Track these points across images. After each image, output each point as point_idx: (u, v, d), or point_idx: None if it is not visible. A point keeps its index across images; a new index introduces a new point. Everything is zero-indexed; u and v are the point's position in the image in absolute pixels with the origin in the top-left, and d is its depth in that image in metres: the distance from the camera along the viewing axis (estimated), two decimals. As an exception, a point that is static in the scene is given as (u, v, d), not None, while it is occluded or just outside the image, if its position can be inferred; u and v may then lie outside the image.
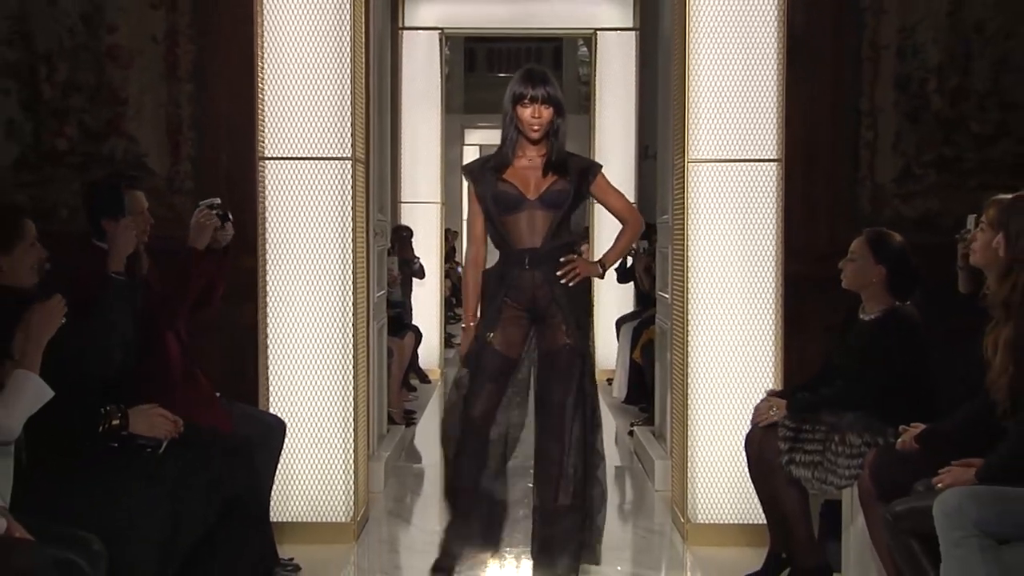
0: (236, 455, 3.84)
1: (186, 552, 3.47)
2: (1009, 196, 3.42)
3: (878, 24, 5.47)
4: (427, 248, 9.71)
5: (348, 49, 4.78)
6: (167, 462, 3.49)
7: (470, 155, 16.15)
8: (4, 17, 5.43)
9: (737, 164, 4.78)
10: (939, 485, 3.27)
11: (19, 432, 3.04)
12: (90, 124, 5.47)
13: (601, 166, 4.32)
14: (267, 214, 4.80)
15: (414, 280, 9.20)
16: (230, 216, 4.21)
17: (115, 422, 3.47)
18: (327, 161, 4.80)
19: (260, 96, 4.77)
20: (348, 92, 4.80)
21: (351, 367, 4.83)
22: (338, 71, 4.78)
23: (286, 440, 4.44)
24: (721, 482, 4.80)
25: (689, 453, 4.84)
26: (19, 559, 2.51)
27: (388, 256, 7.31)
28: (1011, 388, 3.26)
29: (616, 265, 8.83)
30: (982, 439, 3.34)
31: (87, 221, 4.00)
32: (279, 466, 4.42)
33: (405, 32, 9.64)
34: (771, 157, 4.77)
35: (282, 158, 4.79)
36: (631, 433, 6.93)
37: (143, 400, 3.62)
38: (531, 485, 4.31)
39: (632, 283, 8.92)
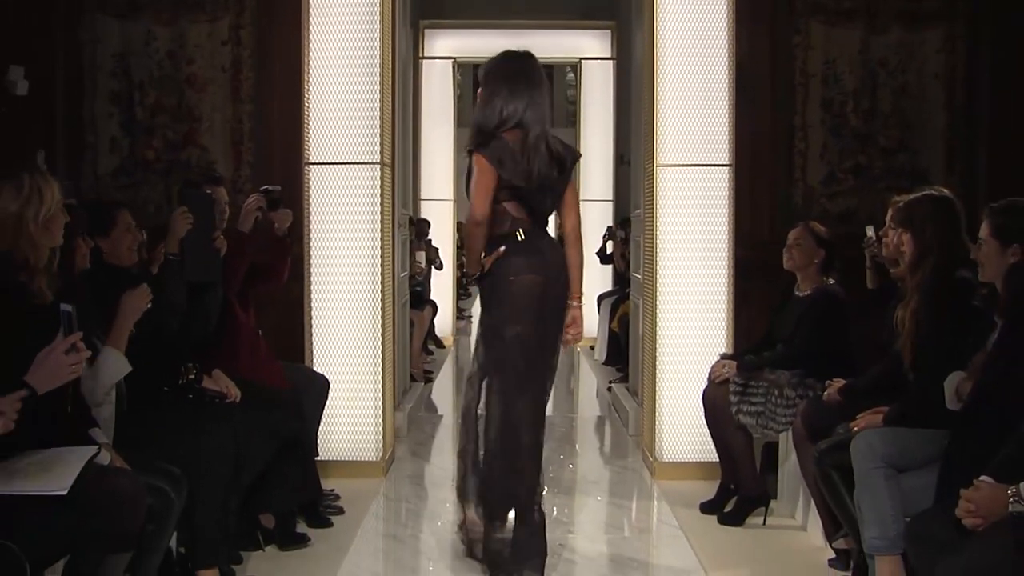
0: (289, 405, 3.87)
1: (249, 482, 3.52)
2: (909, 197, 3.43)
3: (806, 57, 5.51)
4: (442, 237, 9.74)
5: (377, 75, 4.79)
6: (234, 411, 3.50)
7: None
8: (111, 55, 5.53)
9: (696, 168, 4.77)
10: (855, 428, 3.31)
11: (102, 398, 3.02)
12: (172, 138, 5.53)
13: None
14: (311, 209, 4.82)
15: (434, 269, 9.31)
16: (280, 203, 4.10)
17: (191, 376, 3.47)
18: (360, 165, 4.80)
19: (306, 113, 4.80)
20: (377, 109, 4.80)
21: (379, 334, 4.84)
22: (369, 92, 4.79)
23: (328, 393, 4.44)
24: (682, 428, 4.80)
25: (657, 404, 4.85)
26: (121, 484, 2.54)
27: (414, 247, 7.35)
28: (914, 352, 3.29)
29: (596, 250, 8.94)
30: (889, 392, 3.38)
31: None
32: (323, 414, 4.41)
33: (424, 60, 9.64)
34: (723, 163, 4.78)
35: (323, 163, 4.80)
36: (609, 389, 6.92)
37: (220, 360, 3.65)
38: None
39: (611, 265, 8.98)
